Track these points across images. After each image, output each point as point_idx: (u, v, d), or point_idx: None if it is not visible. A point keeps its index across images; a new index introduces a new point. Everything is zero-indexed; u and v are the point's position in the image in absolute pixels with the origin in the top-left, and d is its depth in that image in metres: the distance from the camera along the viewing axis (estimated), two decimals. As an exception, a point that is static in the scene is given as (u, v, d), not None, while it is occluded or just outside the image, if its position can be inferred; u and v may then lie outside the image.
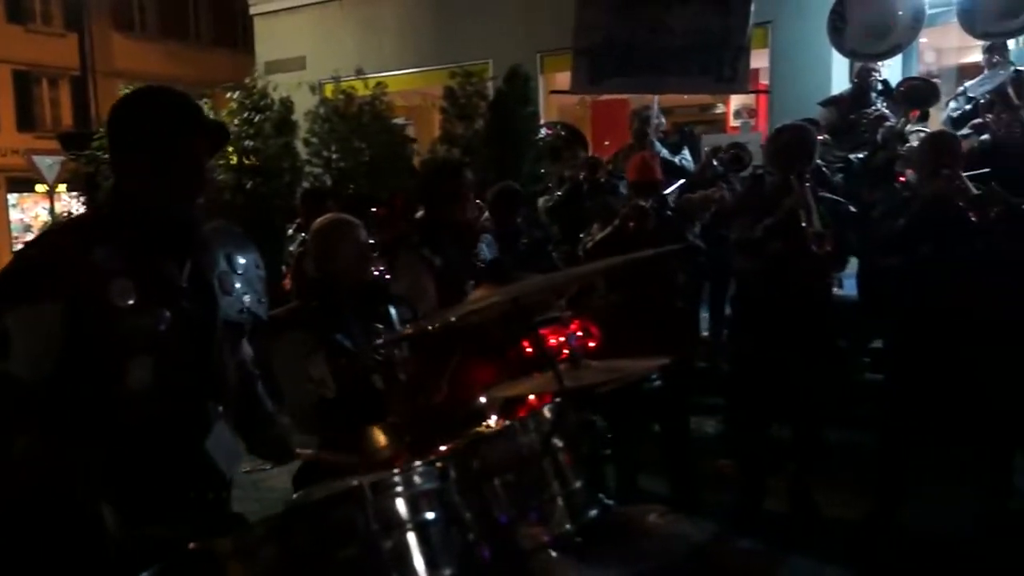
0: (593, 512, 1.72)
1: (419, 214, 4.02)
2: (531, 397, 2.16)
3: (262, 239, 7.14)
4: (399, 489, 1.46)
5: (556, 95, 9.71)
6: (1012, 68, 5.99)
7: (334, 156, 8.78)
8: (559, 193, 6.76)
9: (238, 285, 2.16)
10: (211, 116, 9.15)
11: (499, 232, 5.02)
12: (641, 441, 4.93)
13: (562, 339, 3.74)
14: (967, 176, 4.77)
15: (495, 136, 7.22)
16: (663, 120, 7.27)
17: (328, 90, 9.59)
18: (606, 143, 10.17)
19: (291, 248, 6.22)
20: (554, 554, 1.62)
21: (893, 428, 4.23)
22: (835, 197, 4.47)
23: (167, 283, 1.97)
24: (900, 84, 6.47)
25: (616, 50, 6.16)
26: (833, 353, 5.17)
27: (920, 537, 4.15)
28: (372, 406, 3.07)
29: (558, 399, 1.75)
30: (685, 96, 10.43)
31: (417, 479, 1.50)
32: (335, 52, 10.88)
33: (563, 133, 7.81)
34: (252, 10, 12.80)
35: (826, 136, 6.36)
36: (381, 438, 3.06)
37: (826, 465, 4.52)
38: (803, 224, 3.94)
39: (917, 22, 6.51)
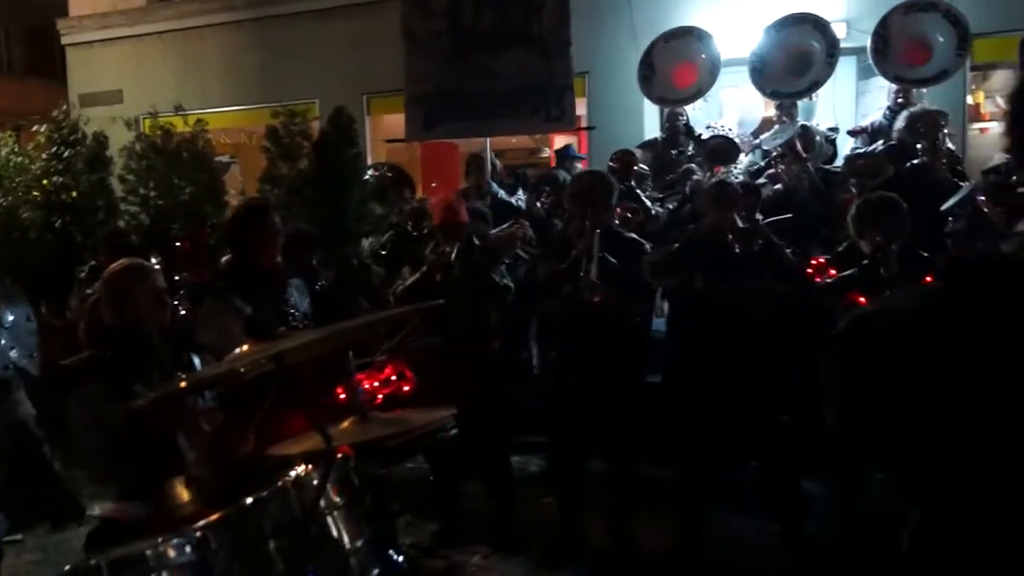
0: (377, 570, 1.70)
1: (225, 259, 3.85)
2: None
3: (73, 279, 6.69)
4: (147, 564, 1.39)
5: (393, 143, 9.82)
6: (799, 124, 6.59)
7: (152, 194, 8.38)
8: (379, 235, 6.80)
9: (3, 340, 2.02)
10: (15, 149, 8.68)
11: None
12: (467, 483, 4.97)
13: (376, 384, 3.72)
14: (770, 221, 5.21)
15: (319, 177, 7.11)
16: (498, 164, 7.48)
17: (146, 126, 9.20)
18: (434, 184, 10.30)
19: (88, 291, 5.80)
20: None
21: (685, 459, 4.46)
22: (636, 237, 4.64)
23: None
24: (706, 141, 6.94)
25: (448, 97, 6.32)
26: (645, 388, 5.43)
27: (726, 563, 4.39)
28: (173, 461, 2.93)
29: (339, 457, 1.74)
30: (513, 139, 10.79)
31: (171, 552, 1.43)
32: (154, 86, 10.46)
33: (389, 174, 7.84)
34: (64, 40, 12.11)
35: (645, 168, 6.76)
36: (183, 493, 2.93)
37: (644, 498, 4.71)
38: (582, 273, 4.07)
39: (715, 68, 7.03)
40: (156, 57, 11.32)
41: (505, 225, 5.79)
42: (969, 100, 8.55)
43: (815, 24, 6.77)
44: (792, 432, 4.36)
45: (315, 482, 1.67)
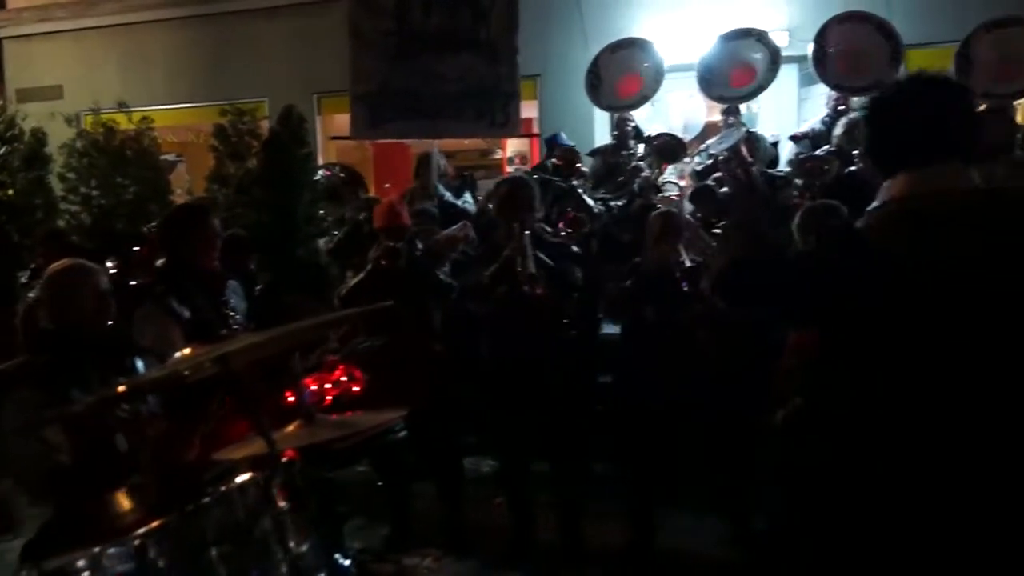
0: (322, 574, 1.69)
1: (160, 262, 3.79)
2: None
3: (9, 282, 6.54)
4: (83, 575, 1.37)
5: (338, 140, 9.77)
6: (745, 129, 6.71)
7: (94, 193, 8.21)
8: (336, 233, 6.75)
9: None
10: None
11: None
12: (417, 486, 4.96)
13: (327, 385, 3.70)
14: (721, 224, 5.32)
15: (268, 176, 7.03)
16: (445, 164, 7.45)
17: (88, 122, 8.99)
18: (387, 185, 10.26)
19: (31, 295, 5.66)
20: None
21: (634, 461, 4.53)
22: (561, 241, 4.74)
23: None
24: (653, 139, 7.02)
25: (393, 96, 6.29)
26: (590, 389, 5.49)
27: (676, 559, 4.46)
28: (114, 469, 2.87)
29: (283, 461, 1.73)
30: (465, 141, 10.79)
31: (108, 562, 1.41)
32: (96, 82, 10.21)
33: (341, 175, 7.79)
34: (1, 33, 11.72)
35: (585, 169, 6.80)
36: (125, 502, 2.88)
37: (595, 496, 4.75)
38: (519, 269, 4.15)
39: (659, 75, 7.11)
40: (98, 52, 11.03)
41: (453, 228, 5.80)
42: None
43: (759, 37, 6.94)
44: (742, 431, 4.45)
45: (259, 487, 1.66)
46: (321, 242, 6.93)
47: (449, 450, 4.90)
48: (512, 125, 6.45)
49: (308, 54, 9.76)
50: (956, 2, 7.86)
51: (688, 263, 4.31)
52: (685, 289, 4.25)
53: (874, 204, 1.90)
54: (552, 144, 7.46)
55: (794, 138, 7.12)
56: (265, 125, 8.17)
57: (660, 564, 4.41)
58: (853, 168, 5.85)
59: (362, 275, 4.73)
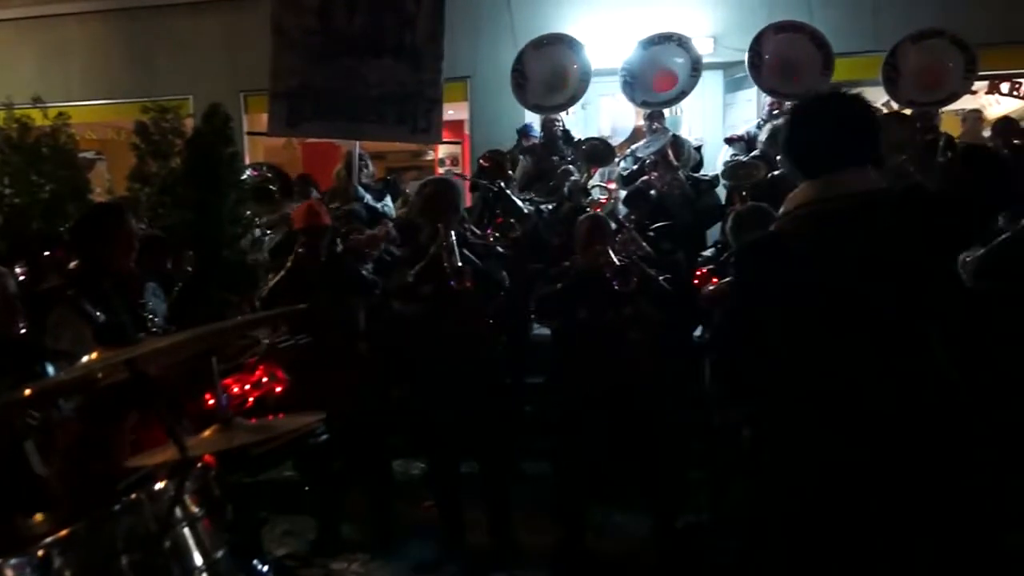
0: (239, 581, 1.66)
1: (73, 264, 3.68)
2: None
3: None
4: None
5: (254, 135, 9.59)
6: (671, 133, 6.82)
7: (7, 191, 7.87)
8: (269, 233, 6.63)
9: None
10: None
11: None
12: (345, 490, 4.91)
13: (247, 386, 3.63)
14: (655, 227, 5.43)
15: (193, 176, 6.85)
16: (371, 166, 7.37)
17: (0, 118, 8.62)
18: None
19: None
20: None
21: (563, 460, 4.57)
22: (485, 242, 4.82)
23: None
24: (582, 143, 7.06)
25: (314, 95, 6.21)
26: (519, 389, 5.52)
27: (603, 559, 4.49)
28: (22, 480, 2.76)
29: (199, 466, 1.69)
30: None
31: (8, 573, 1.35)
32: (9, 77, 9.79)
33: (269, 175, 7.65)
34: (-93, 24, 11.18)
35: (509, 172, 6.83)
36: (36, 513, 2.77)
37: (525, 497, 4.77)
38: (445, 265, 4.18)
39: (586, 75, 7.10)
40: (12, 45, 10.58)
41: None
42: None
43: (679, 42, 7.02)
44: (672, 429, 4.53)
45: (171, 494, 1.62)
46: (266, 240, 6.78)
47: (377, 452, 4.86)
48: (434, 132, 6.43)
49: (234, 51, 9.55)
50: (873, 14, 8.16)
51: (618, 263, 4.37)
52: (616, 288, 4.30)
53: (781, 210, 2.06)
54: (522, 134, 7.43)
55: (729, 140, 7.25)
56: (190, 123, 7.94)
57: (590, 563, 4.45)
58: (776, 173, 6.02)
59: (281, 275, 4.68)
